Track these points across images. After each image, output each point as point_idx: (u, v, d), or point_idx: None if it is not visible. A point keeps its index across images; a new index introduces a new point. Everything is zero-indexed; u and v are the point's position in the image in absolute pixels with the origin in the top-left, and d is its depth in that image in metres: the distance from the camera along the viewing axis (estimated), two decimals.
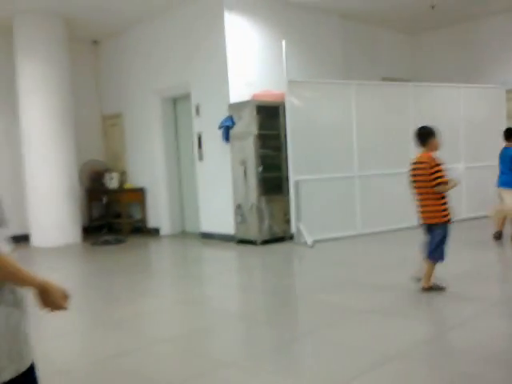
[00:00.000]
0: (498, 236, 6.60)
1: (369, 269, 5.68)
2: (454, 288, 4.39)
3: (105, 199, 8.95)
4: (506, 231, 6.64)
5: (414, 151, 7.99)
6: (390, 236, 7.49)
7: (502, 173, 6.65)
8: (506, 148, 6.71)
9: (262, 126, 7.31)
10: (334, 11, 8.76)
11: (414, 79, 9.83)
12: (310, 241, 6.96)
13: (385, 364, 3.02)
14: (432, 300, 4.22)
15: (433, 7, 8.74)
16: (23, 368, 1.44)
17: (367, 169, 7.77)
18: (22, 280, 1.43)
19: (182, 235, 8.95)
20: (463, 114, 8.54)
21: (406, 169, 7.89)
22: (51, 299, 1.51)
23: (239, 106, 7.39)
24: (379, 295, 4.54)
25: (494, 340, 3.27)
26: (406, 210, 7.88)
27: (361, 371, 2.92)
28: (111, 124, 9.99)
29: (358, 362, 3.07)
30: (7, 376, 1.39)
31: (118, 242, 8.40)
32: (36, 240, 8.33)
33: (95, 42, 9.96)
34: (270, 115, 7.44)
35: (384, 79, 9.60)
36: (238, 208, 7.51)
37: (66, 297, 1.57)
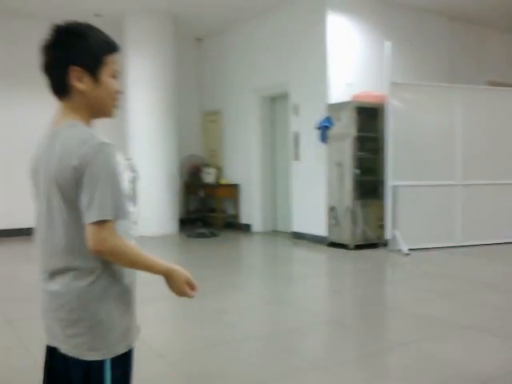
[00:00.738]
0: None
1: (467, 283, 5.43)
2: None
3: (201, 193, 9.23)
4: None
5: None
6: (493, 250, 7.10)
7: None
8: None
9: (360, 128, 7.19)
10: (441, 11, 8.43)
11: None
12: (405, 249, 6.76)
13: None
14: None
15: None
16: (131, 346, 1.52)
17: (471, 178, 7.40)
18: (148, 267, 1.46)
19: (273, 233, 9.04)
20: None
21: None
22: (176, 286, 1.54)
23: (338, 107, 7.32)
24: (477, 311, 4.33)
25: None
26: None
27: None
28: (210, 120, 10.27)
29: (449, 379, 2.94)
30: (120, 350, 1.47)
31: (212, 235, 8.64)
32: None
33: (199, 40, 10.29)
34: (369, 117, 7.31)
35: (490, 83, 9.09)
36: (332, 210, 7.45)
37: (190, 284, 1.58)
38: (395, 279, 6.07)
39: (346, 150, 7.19)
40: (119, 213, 1.37)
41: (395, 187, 7.01)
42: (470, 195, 7.40)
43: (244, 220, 9.44)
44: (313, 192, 7.85)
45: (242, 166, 9.42)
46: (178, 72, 9.09)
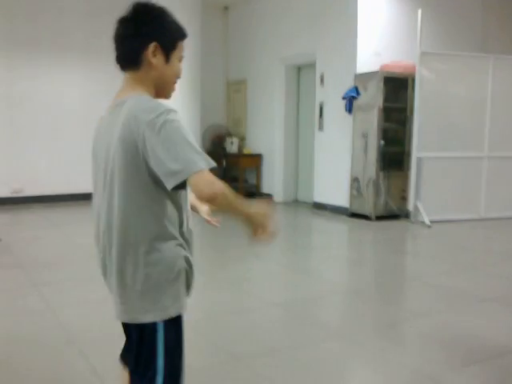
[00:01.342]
0: None
1: (490, 256, 5.36)
2: None
3: (224, 162, 9.22)
4: None
5: None
6: None
7: None
8: None
9: (387, 99, 7.06)
10: None
11: None
12: (427, 220, 6.69)
13: (499, 357, 2.85)
14: None
15: None
16: (182, 309, 1.57)
17: (498, 150, 7.25)
18: (243, 211, 1.51)
19: (295, 203, 9.01)
20: None
21: None
22: (256, 230, 1.58)
23: (365, 77, 7.17)
24: (498, 284, 4.28)
25: None
26: None
27: (471, 360, 2.79)
28: (235, 90, 10.19)
29: (469, 350, 2.93)
30: (172, 313, 1.53)
31: None
32: None
33: (226, 8, 10.15)
34: (397, 87, 7.16)
35: None
36: (355, 181, 7.38)
37: (267, 231, 1.60)
38: (416, 250, 6.02)
39: (372, 121, 7.07)
40: (210, 162, 1.42)
41: (420, 159, 6.89)
42: (495, 168, 7.26)
43: (265, 190, 9.43)
44: (336, 163, 7.78)
45: (266, 136, 9.36)
46: (203, 40, 8.98)
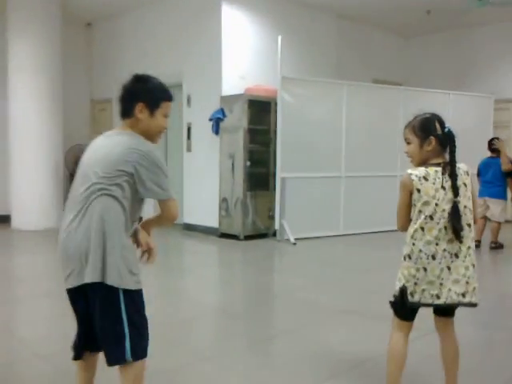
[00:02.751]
0: (478, 245, 6.65)
1: (349, 270, 5.72)
2: None
3: None
4: (486, 240, 6.75)
5: (401, 155, 8.06)
6: (372, 238, 7.54)
7: (490, 183, 6.69)
8: (493, 158, 6.79)
9: (252, 121, 7.29)
10: (331, 9, 8.75)
11: (406, 83, 9.88)
12: (292, 238, 6.98)
13: (359, 366, 3.05)
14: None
15: (428, 12, 8.80)
16: (139, 286, 2.14)
17: (353, 170, 7.81)
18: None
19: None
20: (452, 120, 8.56)
21: (392, 172, 8.01)
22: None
23: (231, 99, 7.36)
24: (359, 297, 4.58)
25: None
26: (389, 214, 7.96)
27: (334, 373, 2.95)
28: (100, 109, 9.89)
29: (332, 363, 3.09)
30: (131, 286, 2.07)
31: None
32: (17, 222, 8.23)
33: (88, 25, 9.85)
34: (261, 110, 7.43)
35: (375, 81, 9.63)
36: (224, 201, 7.49)
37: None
38: (282, 268, 6.25)
39: (238, 142, 7.26)
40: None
41: (284, 179, 7.20)
42: (352, 186, 7.82)
43: None
44: (205, 183, 7.84)
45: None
46: (64, 58, 8.61)
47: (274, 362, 3.24)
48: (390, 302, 2.43)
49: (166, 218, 2.19)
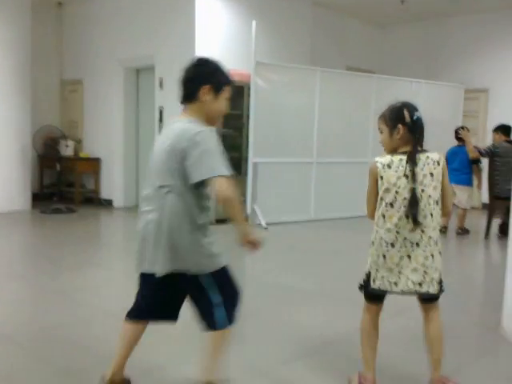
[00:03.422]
0: (444, 231, 6.79)
1: (319, 254, 5.78)
2: None
3: (58, 167, 8.71)
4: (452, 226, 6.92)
5: (372, 142, 8.15)
6: (343, 223, 7.62)
7: (457, 171, 6.81)
8: (459, 146, 6.91)
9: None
10: None
11: (379, 71, 9.95)
12: (264, 223, 7.01)
13: (327, 346, 3.09)
14: None
15: (402, 1, 8.85)
16: (221, 264, 2.21)
17: (325, 156, 7.86)
18: (241, 219, 2.14)
19: (135, 208, 8.81)
20: (423, 109, 8.66)
21: (363, 158, 8.07)
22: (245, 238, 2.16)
23: None
24: (329, 279, 4.63)
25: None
26: (360, 199, 8.04)
27: (303, 353, 2.98)
28: (71, 90, 9.69)
29: (302, 344, 3.13)
30: (212, 267, 2.17)
31: (69, 211, 8.22)
32: None
33: (59, 4, 9.60)
34: (234, 94, 7.34)
35: (349, 68, 9.67)
36: None
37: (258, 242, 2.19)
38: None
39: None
40: (229, 170, 2.07)
41: (256, 164, 7.20)
42: (324, 172, 7.87)
43: (104, 195, 9.11)
44: None
45: (104, 139, 9.05)
46: (34, 37, 8.39)
47: (242, 342, 3.26)
48: (359, 285, 2.47)
49: (218, 200, 2.06)
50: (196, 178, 2.04)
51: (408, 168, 2.28)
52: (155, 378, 2.69)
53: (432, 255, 2.32)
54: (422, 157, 2.33)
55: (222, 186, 2.01)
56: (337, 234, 7.01)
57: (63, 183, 9.26)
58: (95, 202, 9.09)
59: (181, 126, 2.13)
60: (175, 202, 2.10)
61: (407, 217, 2.28)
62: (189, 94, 2.18)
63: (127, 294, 4.25)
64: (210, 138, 2.07)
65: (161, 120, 7.99)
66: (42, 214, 7.98)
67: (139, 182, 8.98)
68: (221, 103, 2.20)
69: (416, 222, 2.27)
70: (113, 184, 8.94)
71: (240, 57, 7.62)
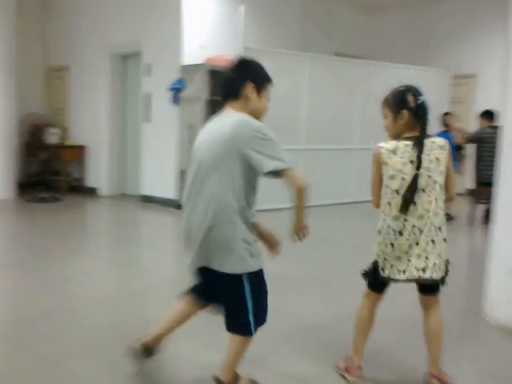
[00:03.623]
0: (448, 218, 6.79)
1: (307, 240, 5.75)
2: None
3: (44, 155, 8.60)
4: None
5: (361, 128, 8.14)
6: (331, 210, 7.61)
7: None
8: (445, 132, 6.92)
9: (213, 92, 7.17)
10: None
11: (368, 57, 9.90)
12: None
13: (311, 331, 3.09)
14: None
15: None
16: (257, 267, 2.18)
17: (314, 143, 7.83)
18: (301, 211, 2.27)
19: (121, 197, 8.77)
20: None
21: (351, 145, 8.06)
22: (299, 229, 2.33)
23: (191, 69, 7.21)
24: (314, 266, 4.63)
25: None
26: (349, 186, 8.05)
27: (288, 337, 2.98)
28: (56, 77, 9.55)
29: (287, 328, 3.12)
30: (254, 267, 2.15)
31: (55, 200, 8.13)
32: None
33: None
34: (222, 81, 7.30)
35: (338, 54, 9.61)
36: (182, 173, 7.40)
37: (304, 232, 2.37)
38: None
39: (198, 114, 7.15)
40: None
41: None
42: (313, 159, 7.82)
43: (90, 183, 9.03)
44: (163, 155, 7.72)
45: (91, 126, 8.94)
46: (19, 24, 8.23)
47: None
48: (362, 272, 2.44)
49: (294, 189, 2.11)
50: (269, 167, 2.04)
51: (415, 154, 2.22)
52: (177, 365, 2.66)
53: (432, 241, 2.26)
54: (427, 142, 2.26)
55: (299, 177, 2.09)
56: (324, 221, 7.00)
57: (49, 172, 9.16)
58: (81, 190, 9.01)
59: (238, 117, 2.12)
60: (227, 193, 2.08)
61: (415, 204, 2.21)
62: (233, 91, 2.20)
63: (113, 282, 4.26)
64: (272, 133, 2.11)
65: (148, 106, 7.90)
66: (28, 203, 7.89)
67: (126, 171, 8.90)
68: (263, 101, 2.24)
69: (407, 208, 2.22)
70: (99, 172, 8.85)
71: (227, 42, 7.54)
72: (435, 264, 2.25)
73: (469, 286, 4.40)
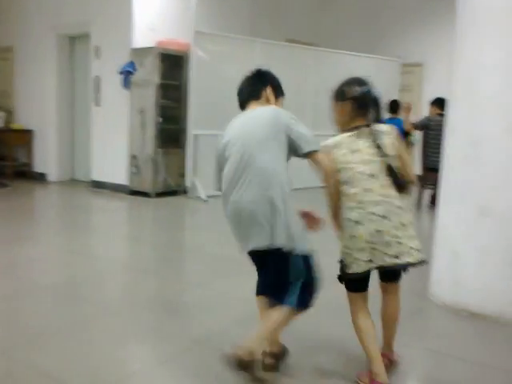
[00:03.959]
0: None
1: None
2: None
3: None
4: None
5: (312, 115, 8.20)
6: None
7: None
8: (393, 119, 7.08)
9: (164, 76, 7.10)
10: None
11: (319, 44, 9.97)
12: (204, 195, 6.97)
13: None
14: None
15: None
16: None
17: None
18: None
19: (71, 182, 8.58)
20: None
21: None
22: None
23: (142, 52, 7.09)
24: None
25: None
26: (299, 171, 8.13)
27: (241, 319, 3.01)
28: (1, 58, 9.19)
29: (240, 311, 3.16)
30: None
31: (2, 186, 7.87)
32: None
33: None
34: (173, 65, 7.23)
35: (288, 41, 9.63)
36: (134, 158, 7.30)
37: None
38: (193, 224, 6.25)
39: (149, 98, 7.05)
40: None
41: (196, 136, 7.12)
42: None
43: (38, 169, 8.77)
44: (114, 139, 7.58)
45: (37, 110, 8.67)
46: None
47: (183, 312, 3.26)
48: (337, 276, 2.32)
49: (319, 169, 2.27)
50: (306, 148, 2.24)
51: (367, 142, 2.24)
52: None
53: (403, 224, 2.19)
54: (376, 129, 2.28)
55: (324, 158, 2.25)
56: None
57: None
58: (29, 176, 8.75)
59: (272, 107, 2.39)
60: (279, 165, 2.26)
61: (370, 190, 2.18)
62: (254, 91, 2.47)
63: (60, 268, 4.18)
64: (292, 117, 2.33)
65: (97, 90, 7.72)
66: None
67: (76, 156, 8.69)
68: (279, 104, 2.49)
69: (403, 188, 2.24)
70: (47, 157, 8.61)
71: (179, 25, 7.45)
72: (411, 248, 2.20)
73: (415, 268, 4.55)
